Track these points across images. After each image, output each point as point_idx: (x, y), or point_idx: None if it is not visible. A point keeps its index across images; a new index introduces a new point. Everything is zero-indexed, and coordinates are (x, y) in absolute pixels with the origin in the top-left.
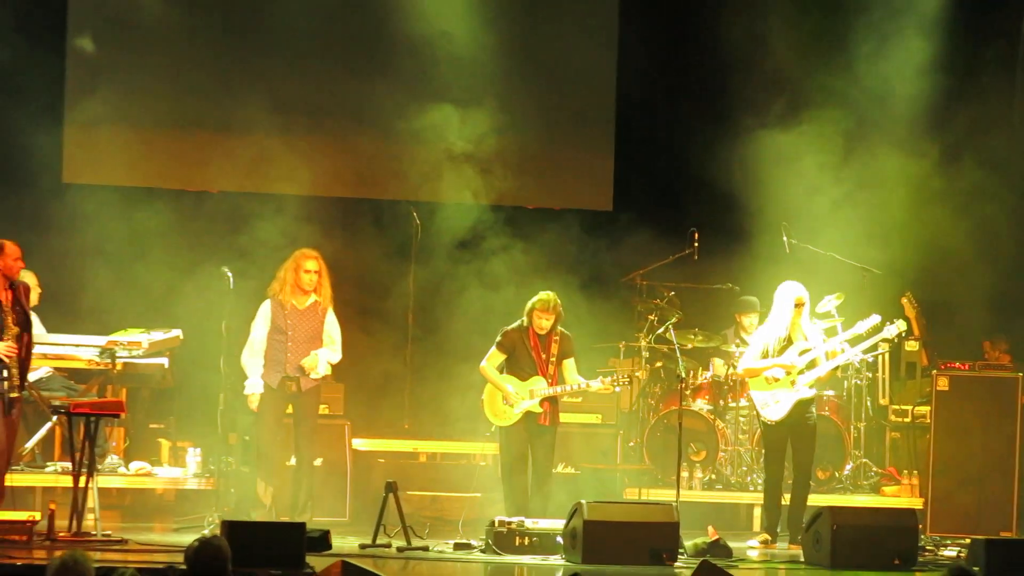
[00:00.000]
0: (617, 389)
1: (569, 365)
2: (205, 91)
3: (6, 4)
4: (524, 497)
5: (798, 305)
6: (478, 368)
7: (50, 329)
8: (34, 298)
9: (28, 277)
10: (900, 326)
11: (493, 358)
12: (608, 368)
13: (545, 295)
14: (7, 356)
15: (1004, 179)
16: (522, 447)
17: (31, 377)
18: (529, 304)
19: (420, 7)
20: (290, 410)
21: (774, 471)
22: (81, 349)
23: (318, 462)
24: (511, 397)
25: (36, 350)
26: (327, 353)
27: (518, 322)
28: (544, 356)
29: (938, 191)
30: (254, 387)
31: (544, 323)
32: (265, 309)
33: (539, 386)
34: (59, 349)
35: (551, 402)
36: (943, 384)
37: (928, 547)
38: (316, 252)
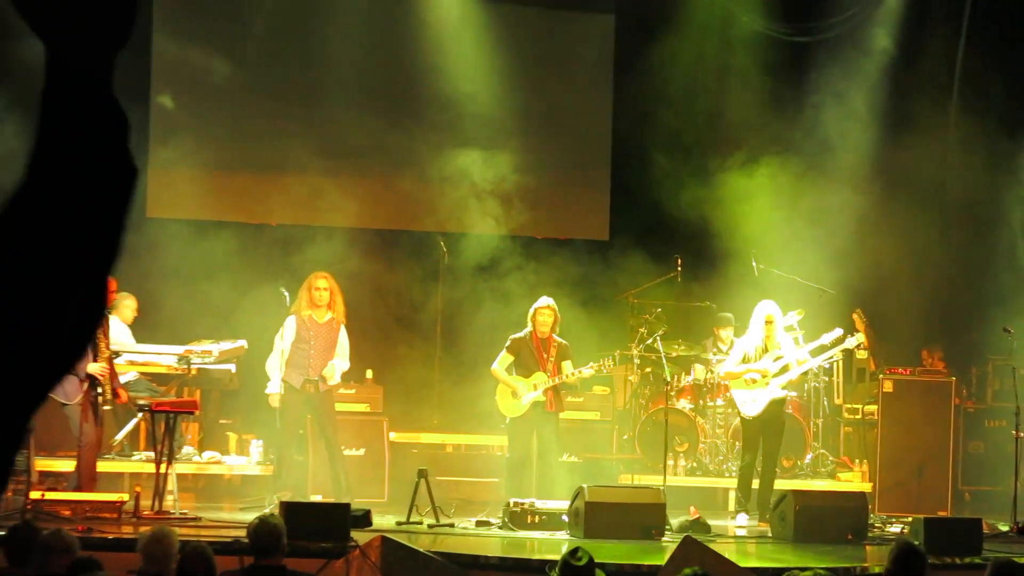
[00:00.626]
0: (604, 371)
1: (567, 366)
2: (265, 138)
3: None
4: (524, 481)
5: (768, 322)
6: (488, 372)
7: (136, 340)
8: (130, 316)
9: (127, 298)
10: (859, 338)
11: (502, 360)
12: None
13: (543, 299)
14: (101, 375)
15: (934, 212)
16: (529, 435)
17: (121, 380)
18: (531, 309)
19: (450, 70)
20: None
21: (748, 459)
22: (162, 357)
23: (361, 451)
24: (519, 391)
25: (126, 358)
26: (340, 363)
27: (523, 331)
28: (545, 356)
29: (879, 222)
30: (273, 388)
31: (545, 320)
32: (290, 323)
33: (541, 379)
34: (144, 357)
35: (554, 392)
36: (888, 387)
37: (876, 524)
38: (327, 274)
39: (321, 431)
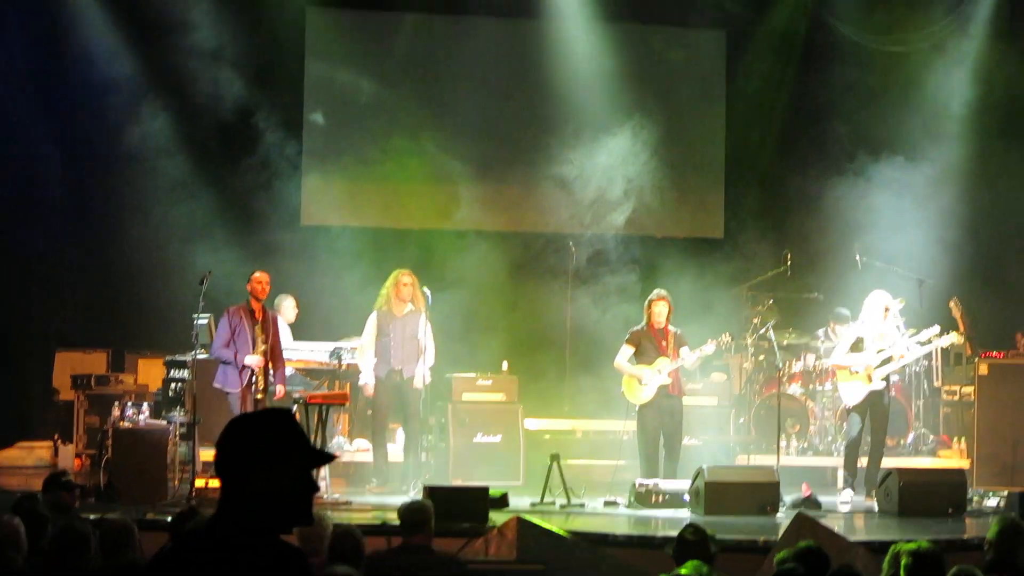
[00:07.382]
0: (723, 347)
1: (685, 351)
2: (405, 151)
3: (257, 91)
4: (656, 464)
5: (885, 312)
6: (612, 365)
7: (293, 338)
8: (292, 315)
9: (288, 299)
10: (953, 338)
11: (623, 353)
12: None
13: (657, 290)
14: (256, 367)
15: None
16: (656, 420)
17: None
18: (647, 300)
19: (577, 84)
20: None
21: (852, 440)
22: (315, 353)
23: (497, 438)
24: (644, 378)
25: (284, 355)
26: (423, 367)
27: (640, 323)
28: (664, 343)
29: (974, 212)
30: (367, 379)
31: (660, 310)
32: (372, 319)
33: (664, 364)
34: (299, 354)
35: (676, 375)
36: (984, 369)
37: (974, 498)
38: (408, 270)
39: (405, 419)
